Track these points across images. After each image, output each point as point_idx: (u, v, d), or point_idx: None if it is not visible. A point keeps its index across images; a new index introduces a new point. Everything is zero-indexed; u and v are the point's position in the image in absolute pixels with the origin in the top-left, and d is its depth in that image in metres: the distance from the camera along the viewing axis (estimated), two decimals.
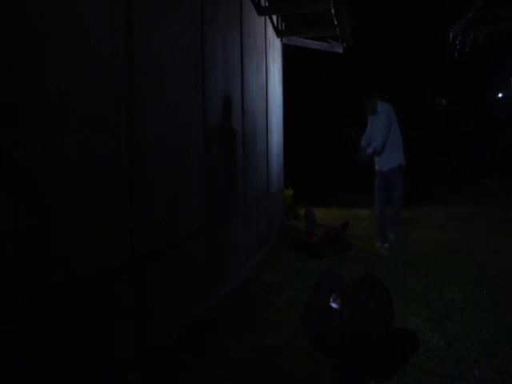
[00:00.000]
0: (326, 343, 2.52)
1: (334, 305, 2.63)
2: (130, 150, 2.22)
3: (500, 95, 16.85)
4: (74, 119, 1.80)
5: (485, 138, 15.59)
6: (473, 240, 5.75)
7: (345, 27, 5.98)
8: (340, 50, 6.99)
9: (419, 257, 4.84)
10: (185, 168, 2.91)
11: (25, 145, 1.53)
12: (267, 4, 5.73)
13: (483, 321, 3.03)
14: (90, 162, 1.90)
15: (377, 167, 5.36)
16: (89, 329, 1.86)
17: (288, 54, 7.56)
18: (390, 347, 2.40)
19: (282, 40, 7.03)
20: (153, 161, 2.46)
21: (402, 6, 15.88)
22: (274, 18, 6.37)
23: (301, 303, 3.10)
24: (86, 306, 1.86)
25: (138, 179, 2.29)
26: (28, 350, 1.54)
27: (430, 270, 4.25)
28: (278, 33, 6.62)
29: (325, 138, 17.99)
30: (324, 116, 18.05)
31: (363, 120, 5.73)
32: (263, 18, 5.55)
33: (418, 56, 17.38)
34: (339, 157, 17.03)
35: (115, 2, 2.11)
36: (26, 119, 1.54)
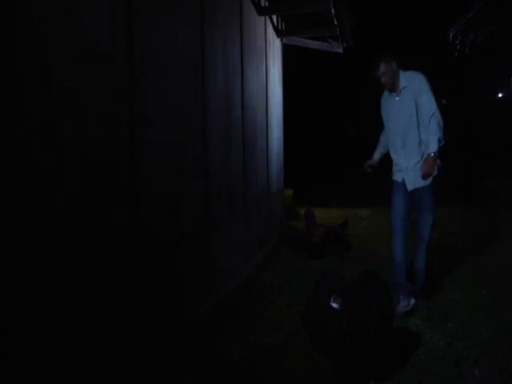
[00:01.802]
0: (326, 343, 2.51)
1: (334, 305, 2.63)
2: (130, 150, 2.22)
3: (500, 95, 16.84)
4: (74, 119, 1.80)
5: (485, 138, 15.59)
6: (473, 240, 5.75)
7: (345, 27, 5.98)
8: (340, 50, 6.99)
9: None
10: (185, 168, 2.91)
11: (25, 145, 1.53)
12: (267, 4, 5.73)
13: (483, 321, 3.03)
14: (90, 162, 1.90)
15: (396, 177, 3.34)
16: (89, 329, 1.86)
17: (288, 54, 7.56)
18: (390, 347, 2.40)
19: (282, 40, 7.03)
20: (153, 161, 2.46)
21: (401, 5, 15.88)
22: (274, 18, 6.37)
23: (301, 303, 3.09)
24: (86, 306, 1.86)
25: (138, 179, 2.29)
26: (28, 350, 1.54)
27: (430, 270, 4.25)
28: (278, 33, 6.62)
29: (325, 137, 17.98)
30: (324, 116, 18.04)
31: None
32: (263, 17, 5.55)
33: (417, 56, 17.35)
34: (339, 157, 17.04)
35: (115, 3, 2.11)
36: (26, 119, 1.54)
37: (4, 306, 1.44)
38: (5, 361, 1.44)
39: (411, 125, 3.22)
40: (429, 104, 3.19)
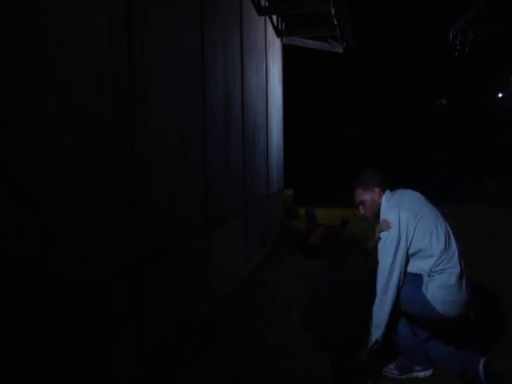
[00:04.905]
0: (326, 342, 2.52)
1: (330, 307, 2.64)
2: (130, 150, 2.22)
3: (500, 95, 16.86)
4: (75, 120, 1.80)
5: (485, 138, 15.60)
6: (472, 240, 5.74)
7: (345, 27, 5.99)
8: (340, 50, 7.00)
9: None
10: (185, 168, 2.91)
11: (25, 145, 1.53)
12: (267, 4, 5.73)
13: None
14: (90, 162, 1.90)
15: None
16: (89, 329, 1.86)
17: (288, 53, 7.57)
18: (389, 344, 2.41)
19: (282, 40, 7.04)
20: (153, 161, 2.46)
21: (402, 5, 15.90)
22: (274, 18, 6.37)
23: (301, 303, 3.10)
24: (87, 306, 1.86)
25: (138, 180, 2.29)
26: (29, 351, 1.54)
27: None
28: (278, 33, 6.63)
29: (325, 137, 18.00)
30: (324, 116, 18.05)
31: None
32: (263, 18, 5.55)
33: (418, 56, 17.38)
34: (339, 157, 17.05)
35: (115, 4, 2.11)
36: (25, 120, 1.54)
37: (5, 308, 1.45)
38: (7, 361, 1.44)
39: None
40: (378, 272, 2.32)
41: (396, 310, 2.27)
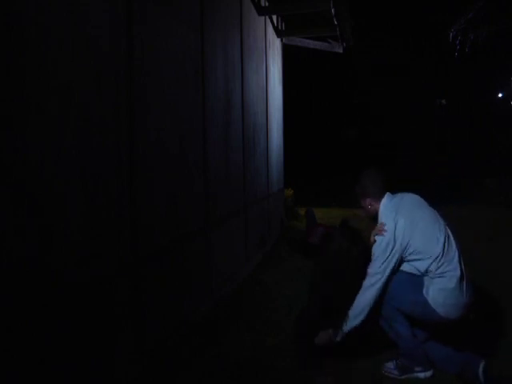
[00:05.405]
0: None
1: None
2: (130, 150, 2.22)
3: (500, 95, 16.86)
4: (75, 120, 1.80)
5: (485, 138, 15.61)
6: (472, 240, 5.74)
7: (345, 27, 5.99)
8: (340, 50, 7.00)
9: None
10: (185, 168, 2.91)
11: (25, 145, 1.53)
12: (267, 4, 5.73)
13: None
14: (90, 162, 1.90)
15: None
16: (90, 329, 1.86)
17: (288, 53, 7.57)
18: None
19: (282, 40, 7.03)
20: (153, 161, 2.46)
21: (402, 5, 15.89)
22: (274, 18, 6.37)
23: (301, 303, 3.10)
24: (87, 306, 1.86)
25: (138, 180, 2.29)
26: (29, 351, 1.54)
27: None
28: (278, 33, 6.63)
29: (325, 137, 18.00)
30: (324, 116, 18.05)
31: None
32: (263, 18, 5.55)
33: (418, 56, 17.38)
34: (339, 157, 17.05)
35: (115, 4, 2.11)
36: (25, 120, 1.54)
37: (6, 307, 1.45)
38: (7, 361, 1.44)
39: None
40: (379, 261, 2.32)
41: (376, 308, 2.34)
